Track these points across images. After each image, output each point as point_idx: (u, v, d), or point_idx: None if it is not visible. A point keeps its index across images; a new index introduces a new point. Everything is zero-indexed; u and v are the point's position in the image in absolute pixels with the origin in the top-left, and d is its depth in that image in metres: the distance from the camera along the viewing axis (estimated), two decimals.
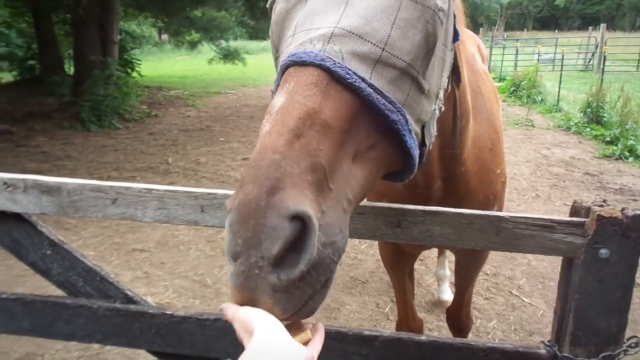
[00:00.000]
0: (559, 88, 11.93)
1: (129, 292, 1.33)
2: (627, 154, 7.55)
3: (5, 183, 1.25)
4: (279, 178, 0.68)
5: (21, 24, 15.77)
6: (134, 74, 13.94)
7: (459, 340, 1.21)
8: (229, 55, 14.73)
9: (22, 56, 15.07)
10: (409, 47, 0.83)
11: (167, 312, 1.28)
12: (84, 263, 1.31)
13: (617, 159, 7.54)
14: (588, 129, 9.17)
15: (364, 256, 4.32)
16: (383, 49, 0.81)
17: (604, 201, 1.10)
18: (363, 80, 0.78)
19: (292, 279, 0.69)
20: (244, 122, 10.38)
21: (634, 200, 5.85)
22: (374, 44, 0.80)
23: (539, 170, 7.06)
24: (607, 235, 1.04)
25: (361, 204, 1.01)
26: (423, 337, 1.19)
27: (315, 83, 0.76)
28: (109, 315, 1.29)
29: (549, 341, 1.17)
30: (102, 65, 10.41)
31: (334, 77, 0.77)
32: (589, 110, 9.65)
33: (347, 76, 0.77)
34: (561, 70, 12.70)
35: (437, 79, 0.96)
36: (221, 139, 8.68)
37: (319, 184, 0.72)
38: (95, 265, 1.33)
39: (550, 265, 4.16)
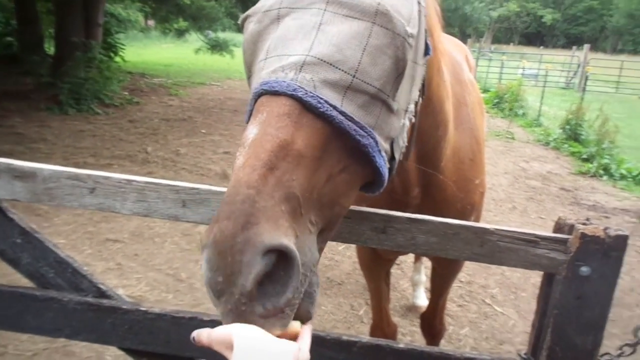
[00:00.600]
0: (541, 103, 12.15)
1: (102, 286, 1.29)
2: (601, 172, 7.73)
3: None
4: (254, 213, 0.69)
5: None
6: (117, 59, 13.65)
7: (437, 349, 1.20)
8: (217, 46, 14.55)
9: None
10: (379, 73, 0.85)
11: (142, 308, 1.24)
12: (55, 253, 1.26)
13: (592, 176, 7.71)
14: (566, 146, 9.37)
15: (340, 257, 4.31)
16: (354, 76, 0.82)
17: (587, 219, 1.10)
18: (334, 108, 0.79)
19: (279, 307, 0.72)
20: (227, 115, 10.27)
21: (606, 217, 5.98)
22: (345, 72, 0.81)
23: (517, 183, 7.17)
24: (589, 253, 1.05)
25: None
26: (402, 345, 1.18)
27: (288, 114, 0.77)
28: (80, 310, 1.24)
29: (525, 354, 1.17)
30: (84, 47, 10.15)
31: (306, 107, 0.78)
32: (568, 127, 9.86)
33: (319, 105, 0.78)
34: (544, 86, 12.93)
35: (406, 95, 0.97)
36: (203, 131, 8.57)
37: (293, 212, 0.74)
38: (67, 257, 1.28)
39: (523, 277, 4.22)
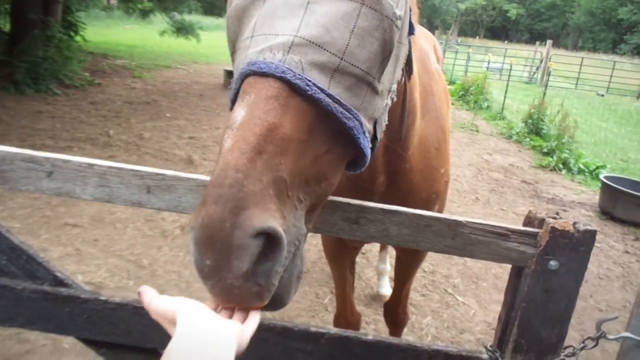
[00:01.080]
0: (505, 97, 12.42)
1: (59, 274, 1.22)
2: (561, 166, 7.98)
3: None
4: (242, 198, 0.70)
5: None
6: (78, 38, 13.06)
7: (404, 341, 1.20)
8: (183, 29, 14.14)
9: None
10: (366, 55, 0.85)
11: (101, 297, 1.18)
12: (9, 240, 1.18)
13: (552, 170, 7.96)
14: (528, 139, 9.62)
15: (306, 246, 4.30)
16: (341, 58, 0.82)
17: (557, 213, 1.11)
18: (322, 90, 0.80)
19: (271, 282, 0.75)
20: (193, 99, 10.05)
21: (564, 210, 6.19)
22: (333, 54, 0.81)
23: (480, 175, 7.33)
24: (558, 247, 1.06)
25: None
26: (370, 337, 1.17)
27: (276, 96, 0.77)
28: (34, 298, 1.18)
29: (491, 346, 1.18)
30: (42, 25, 9.68)
31: (294, 89, 0.78)
32: (530, 121, 10.13)
33: (307, 88, 0.78)
34: (508, 80, 13.22)
35: (390, 75, 0.97)
36: (168, 115, 8.36)
37: (280, 194, 0.75)
38: (22, 243, 1.21)
39: (484, 267, 4.32)
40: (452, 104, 13.94)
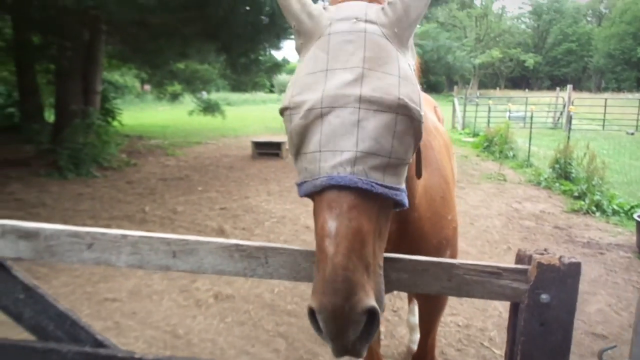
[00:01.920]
0: (529, 144, 12.41)
1: (99, 336, 1.36)
2: (594, 208, 7.82)
3: None
4: (351, 288, 0.97)
5: (3, 72, 15.88)
6: (115, 123, 14.03)
7: None
8: (209, 108, 15.00)
9: (2, 104, 15.08)
10: (405, 149, 1.11)
11: (136, 355, 1.31)
12: (55, 307, 1.34)
13: (584, 213, 7.80)
14: (557, 184, 9.51)
15: None
16: (389, 157, 1.08)
17: (545, 250, 1.20)
18: (381, 185, 1.06)
19: (369, 341, 1.05)
20: (223, 171, 10.46)
21: (601, 253, 6.03)
22: (383, 156, 1.07)
23: (511, 224, 7.25)
24: (546, 281, 1.14)
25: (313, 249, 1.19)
26: None
27: (355, 206, 1.03)
28: (78, 359, 1.31)
29: None
30: (83, 114, 10.48)
31: (364, 192, 1.05)
32: (557, 166, 10.04)
33: (372, 188, 1.05)
34: (530, 127, 13.25)
35: None
36: (199, 188, 8.71)
37: (371, 272, 1.04)
38: (66, 310, 1.36)
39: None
40: (477, 155, 14.00)
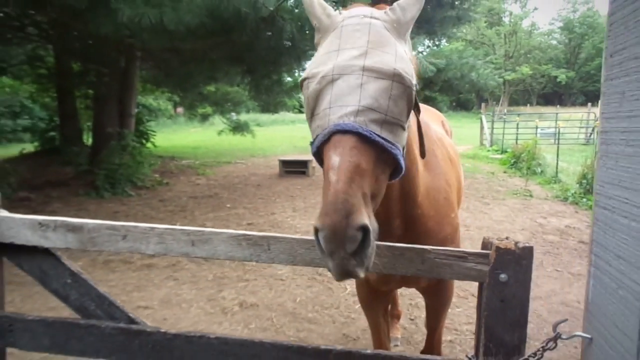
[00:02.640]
0: (557, 160, 12.33)
1: (131, 315, 1.61)
2: None
3: (39, 223, 1.59)
4: (349, 209, 1.14)
5: (45, 98, 16.90)
6: (149, 145, 14.67)
7: (397, 353, 1.46)
8: (239, 128, 15.52)
9: (44, 128, 16.01)
10: (399, 110, 1.33)
11: (162, 330, 1.55)
12: (96, 290, 1.61)
13: None
14: (584, 200, 9.43)
15: (357, 315, 4.50)
16: (386, 114, 1.30)
17: (507, 237, 1.40)
18: (378, 136, 1.27)
19: (366, 258, 1.20)
20: (251, 189, 10.81)
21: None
22: (381, 113, 1.29)
23: (534, 238, 7.27)
24: (504, 262, 1.34)
25: (309, 238, 1.39)
26: (368, 351, 1.45)
27: (355, 146, 1.24)
28: (114, 334, 1.56)
29: (471, 355, 1.43)
30: (118, 136, 11.09)
31: (363, 138, 1.25)
32: (584, 181, 9.97)
33: (370, 135, 1.26)
34: (558, 143, 13.18)
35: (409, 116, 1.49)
36: (228, 205, 9.06)
37: (366, 203, 1.21)
38: (105, 292, 1.63)
39: (536, 327, 4.30)
40: (504, 172, 13.98)
